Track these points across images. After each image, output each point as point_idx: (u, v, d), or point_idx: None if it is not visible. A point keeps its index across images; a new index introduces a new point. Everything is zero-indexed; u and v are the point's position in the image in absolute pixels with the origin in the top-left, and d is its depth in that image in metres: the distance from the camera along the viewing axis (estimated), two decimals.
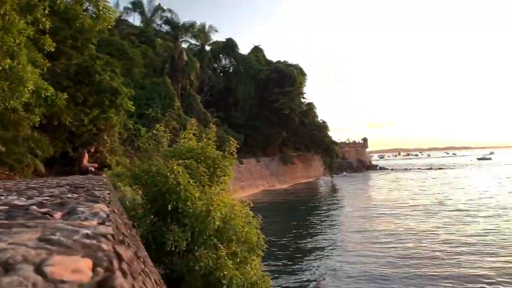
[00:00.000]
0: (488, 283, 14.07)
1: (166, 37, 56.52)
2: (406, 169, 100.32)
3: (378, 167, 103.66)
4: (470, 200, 35.51)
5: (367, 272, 16.05)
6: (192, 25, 59.04)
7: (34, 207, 1.51)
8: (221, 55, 67.18)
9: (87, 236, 1.01)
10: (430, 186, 51.76)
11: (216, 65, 67.09)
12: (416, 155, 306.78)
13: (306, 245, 21.71)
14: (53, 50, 10.57)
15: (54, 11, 11.72)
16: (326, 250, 20.55)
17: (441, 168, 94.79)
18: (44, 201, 1.70)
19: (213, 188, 8.72)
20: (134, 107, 17.20)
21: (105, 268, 0.80)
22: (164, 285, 1.86)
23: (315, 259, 18.95)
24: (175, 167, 7.56)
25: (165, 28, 60.02)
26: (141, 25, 57.61)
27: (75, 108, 14.42)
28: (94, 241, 0.96)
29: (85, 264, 0.81)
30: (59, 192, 2.24)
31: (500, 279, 14.39)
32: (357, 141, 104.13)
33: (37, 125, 11.25)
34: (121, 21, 49.87)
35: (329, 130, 71.25)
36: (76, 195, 2.01)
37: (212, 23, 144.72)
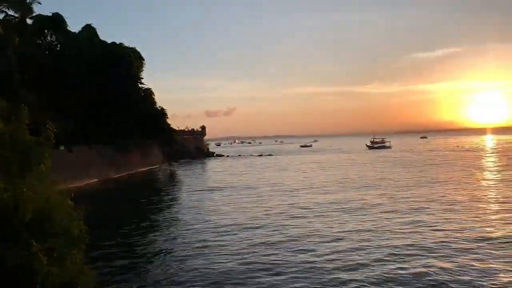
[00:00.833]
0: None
1: None
2: (240, 155, 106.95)
3: (215, 154, 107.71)
4: (289, 178, 40.87)
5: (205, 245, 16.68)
6: None
7: None
8: (46, 31, 59.51)
9: None
10: (259, 169, 56.91)
11: (41, 41, 59.21)
12: (250, 142, 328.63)
13: (138, 235, 21.21)
14: None
15: None
16: (158, 239, 20.46)
17: (270, 155, 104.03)
18: None
19: (27, 178, 7.76)
20: None
21: None
22: None
23: (146, 248, 18.67)
24: None
25: None
26: None
27: None
28: None
29: None
30: None
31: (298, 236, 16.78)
32: (195, 129, 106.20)
33: None
34: None
35: (167, 117, 70.77)
36: None
37: None
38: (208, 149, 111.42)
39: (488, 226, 19.76)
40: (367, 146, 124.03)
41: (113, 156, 53.79)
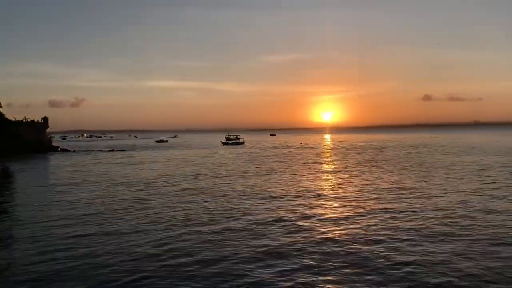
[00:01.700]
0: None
1: None
2: (89, 150, 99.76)
3: (59, 149, 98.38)
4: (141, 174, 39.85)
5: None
6: None
7: None
8: None
9: None
10: (110, 165, 53.89)
11: None
12: (100, 136, 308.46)
13: None
14: None
15: None
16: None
17: (123, 150, 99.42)
18: None
19: None
20: None
21: None
22: None
23: None
24: None
25: None
26: None
27: None
28: None
29: None
30: None
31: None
32: (37, 121, 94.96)
33: None
34: None
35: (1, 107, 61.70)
36: None
37: None
38: (51, 143, 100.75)
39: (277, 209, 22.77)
40: (222, 142, 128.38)
41: None
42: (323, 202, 26.10)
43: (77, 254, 15.75)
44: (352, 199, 27.00)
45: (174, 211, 23.84)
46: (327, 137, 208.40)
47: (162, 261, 14.74)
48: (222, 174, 43.96)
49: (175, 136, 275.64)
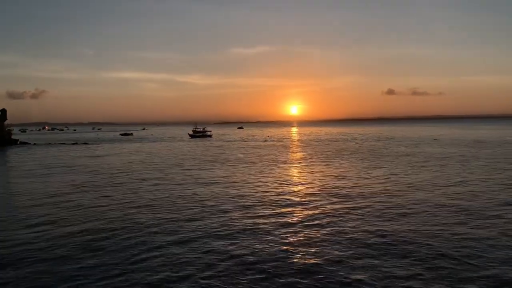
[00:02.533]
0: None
1: None
2: (51, 143, 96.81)
3: (18, 142, 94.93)
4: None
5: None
6: None
7: None
8: None
9: None
10: (72, 158, 52.69)
11: None
12: (62, 129, 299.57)
13: None
14: None
15: None
16: None
17: (86, 143, 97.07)
18: None
19: None
20: None
21: None
22: None
23: None
24: None
25: None
26: None
27: None
28: None
29: None
30: None
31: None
32: None
33: None
34: None
35: None
36: None
37: None
38: (10, 135, 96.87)
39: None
40: (190, 135, 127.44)
41: None
42: (274, 186, 26.79)
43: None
44: (313, 185, 27.84)
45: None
46: (294, 130, 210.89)
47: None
48: (184, 165, 44.06)
49: (144, 129, 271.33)
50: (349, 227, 17.57)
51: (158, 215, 20.45)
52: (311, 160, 48.57)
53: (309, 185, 29.55)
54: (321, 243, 15.36)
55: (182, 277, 12.33)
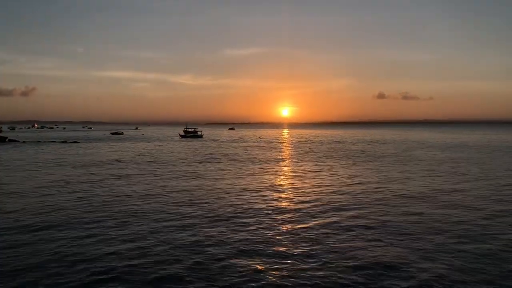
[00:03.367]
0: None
1: None
2: (40, 141, 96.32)
3: (7, 139, 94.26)
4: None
5: None
6: None
7: None
8: None
9: None
10: (63, 155, 52.73)
11: None
12: (52, 127, 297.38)
13: None
14: None
15: None
16: None
17: (76, 142, 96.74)
18: None
19: None
20: None
21: None
22: None
23: None
24: None
25: None
26: None
27: None
28: None
29: None
30: None
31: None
32: None
33: None
34: None
35: None
36: None
37: None
38: None
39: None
40: (180, 135, 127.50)
41: None
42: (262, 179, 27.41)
43: None
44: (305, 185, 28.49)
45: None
46: (285, 132, 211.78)
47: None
48: (174, 162, 44.39)
49: (136, 128, 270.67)
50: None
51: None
52: (317, 161, 49.16)
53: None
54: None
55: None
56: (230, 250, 14.73)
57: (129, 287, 11.63)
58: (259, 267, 13.04)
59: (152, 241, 15.73)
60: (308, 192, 26.84)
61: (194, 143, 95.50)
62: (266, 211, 21.16)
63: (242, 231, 17.23)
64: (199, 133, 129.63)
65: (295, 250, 14.69)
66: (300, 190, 27.73)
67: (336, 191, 27.42)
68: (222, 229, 17.57)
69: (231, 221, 19.01)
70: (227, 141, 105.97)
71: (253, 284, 11.78)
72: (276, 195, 26.10)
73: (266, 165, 45.42)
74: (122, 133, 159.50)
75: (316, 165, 44.94)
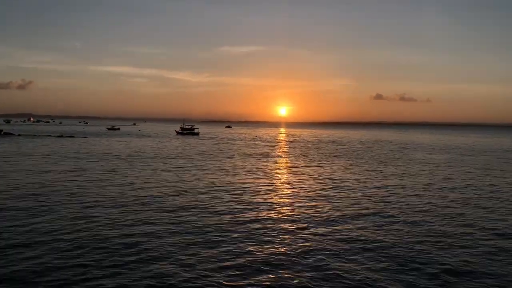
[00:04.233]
0: None
1: None
2: (35, 135, 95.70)
3: (3, 132, 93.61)
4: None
5: None
6: None
7: None
8: None
9: None
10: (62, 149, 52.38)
11: None
12: (48, 122, 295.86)
13: None
14: None
15: None
16: None
17: (72, 136, 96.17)
18: None
19: None
20: None
21: None
22: None
23: None
24: None
25: None
26: None
27: None
28: None
29: None
30: None
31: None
32: None
33: None
34: None
35: None
36: None
37: None
38: None
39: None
40: (177, 131, 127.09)
41: None
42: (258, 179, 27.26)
43: None
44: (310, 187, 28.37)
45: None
46: (283, 131, 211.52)
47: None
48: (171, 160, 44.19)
49: (134, 124, 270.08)
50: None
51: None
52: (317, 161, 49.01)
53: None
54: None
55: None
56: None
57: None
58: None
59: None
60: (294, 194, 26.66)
61: (191, 140, 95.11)
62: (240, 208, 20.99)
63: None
64: (196, 130, 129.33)
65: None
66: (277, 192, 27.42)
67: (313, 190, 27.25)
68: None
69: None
70: (226, 139, 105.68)
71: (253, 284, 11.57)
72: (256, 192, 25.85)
73: (259, 161, 45.26)
74: (118, 129, 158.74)
75: (306, 165, 44.82)
